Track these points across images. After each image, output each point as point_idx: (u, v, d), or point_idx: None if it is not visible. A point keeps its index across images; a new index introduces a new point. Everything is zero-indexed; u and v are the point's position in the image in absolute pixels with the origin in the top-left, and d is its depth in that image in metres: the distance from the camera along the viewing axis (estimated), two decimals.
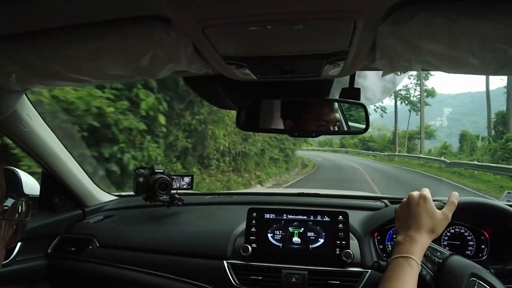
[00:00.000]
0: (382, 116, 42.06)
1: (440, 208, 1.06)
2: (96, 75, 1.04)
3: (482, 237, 1.53)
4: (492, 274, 1.05)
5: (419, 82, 38.97)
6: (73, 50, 0.89)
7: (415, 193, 1.06)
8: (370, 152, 40.94)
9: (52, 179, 1.71)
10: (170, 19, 0.76)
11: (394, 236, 1.47)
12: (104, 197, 2.02)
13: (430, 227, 1.00)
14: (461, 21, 0.70)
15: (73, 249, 1.70)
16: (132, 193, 1.85)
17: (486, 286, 1.00)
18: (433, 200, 1.06)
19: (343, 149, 51.96)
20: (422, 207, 1.02)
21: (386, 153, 35.77)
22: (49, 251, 1.71)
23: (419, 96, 40.36)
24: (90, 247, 1.68)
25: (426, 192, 1.05)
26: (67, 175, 1.72)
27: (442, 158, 22.69)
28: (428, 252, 1.10)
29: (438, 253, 1.06)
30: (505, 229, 1.43)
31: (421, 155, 28.70)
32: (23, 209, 0.76)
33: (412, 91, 42.30)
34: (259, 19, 0.72)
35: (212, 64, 1.02)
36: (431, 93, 41.27)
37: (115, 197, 2.08)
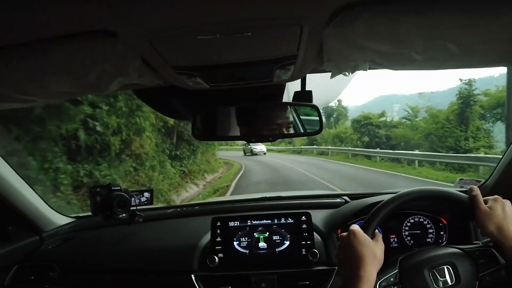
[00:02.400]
0: None
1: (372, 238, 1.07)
2: (42, 94, 1.01)
3: (441, 224, 1.61)
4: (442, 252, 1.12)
5: None
6: (16, 70, 0.86)
7: (344, 233, 1.07)
8: (416, 154, 16.44)
9: (3, 206, 1.60)
10: (116, 33, 0.74)
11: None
12: (61, 220, 1.92)
13: (370, 256, 0.99)
14: (402, 20, 0.73)
15: (32, 278, 1.60)
16: (90, 213, 1.77)
17: (443, 267, 1.06)
18: None
19: (314, 147, 30.51)
20: (354, 242, 1.02)
21: None
22: (5, 283, 1.60)
23: None
24: (51, 273, 1.59)
25: (354, 227, 1.06)
26: (20, 201, 1.63)
27: None
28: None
29: (392, 279, 1.09)
30: (460, 214, 1.51)
31: None
32: None
33: None
34: (207, 28, 0.72)
35: (163, 75, 1.01)
36: None
37: (72, 219, 1.99)
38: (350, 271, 0.98)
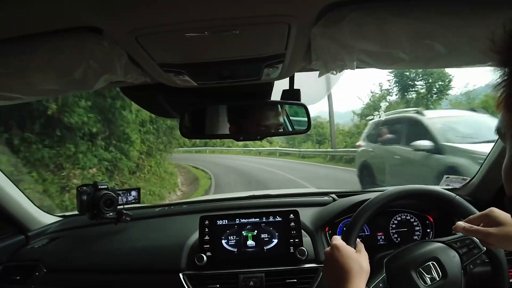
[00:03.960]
0: None
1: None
2: (27, 91, 0.99)
3: (427, 221, 1.63)
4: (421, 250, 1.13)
5: None
6: (0, 67, 0.83)
7: (328, 248, 1.06)
8: None
9: None
10: (102, 30, 0.74)
11: (344, 229, 1.51)
12: (47, 219, 1.89)
13: (357, 268, 0.97)
14: (390, 20, 0.74)
15: (18, 277, 1.57)
16: (76, 212, 1.75)
17: (429, 263, 1.08)
18: None
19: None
20: (339, 255, 1.00)
21: None
22: None
23: None
24: (37, 273, 1.56)
25: (336, 240, 1.05)
26: (4, 199, 1.60)
27: None
28: None
29: (380, 284, 1.09)
30: (446, 212, 1.53)
31: None
32: None
33: None
34: (195, 25, 0.72)
35: (150, 73, 1.00)
36: None
37: (59, 218, 1.96)
38: (337, 283, 0.97)
